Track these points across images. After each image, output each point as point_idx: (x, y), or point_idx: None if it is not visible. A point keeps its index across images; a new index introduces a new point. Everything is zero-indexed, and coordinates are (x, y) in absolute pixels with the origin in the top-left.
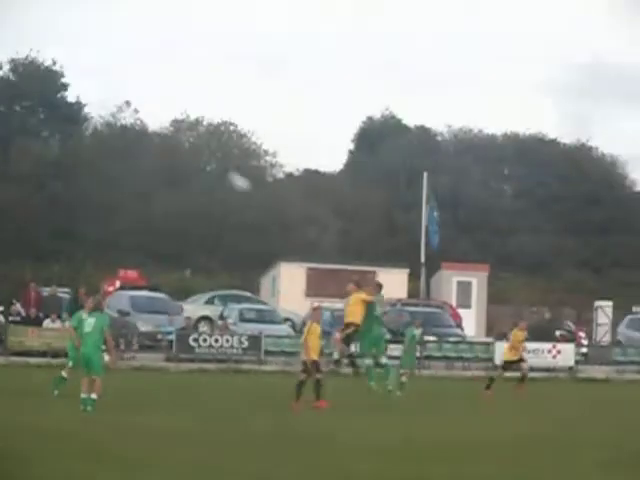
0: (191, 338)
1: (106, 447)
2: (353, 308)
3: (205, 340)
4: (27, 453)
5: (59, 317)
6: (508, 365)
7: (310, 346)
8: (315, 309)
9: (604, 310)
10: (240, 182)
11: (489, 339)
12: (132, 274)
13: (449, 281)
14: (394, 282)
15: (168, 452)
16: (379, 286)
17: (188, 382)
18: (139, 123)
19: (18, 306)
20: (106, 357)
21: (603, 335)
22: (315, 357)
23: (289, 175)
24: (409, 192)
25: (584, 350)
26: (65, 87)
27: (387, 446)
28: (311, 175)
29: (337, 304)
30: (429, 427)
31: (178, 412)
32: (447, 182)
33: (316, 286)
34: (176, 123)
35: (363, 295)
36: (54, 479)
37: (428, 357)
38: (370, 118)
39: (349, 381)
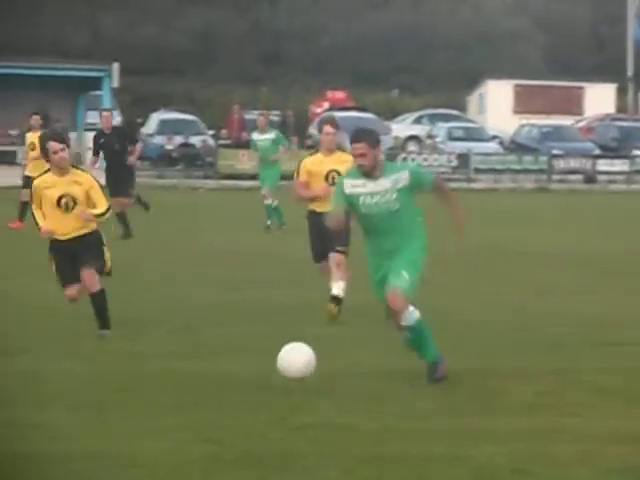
0: (400, 158)
1: None
2: None
3: (414, 159)
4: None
5: None
6: None
7: None
8: None
9: None
10: None
11: None
12: (340, 95)
13: None
14: (602, 97)
15: None
16: None
17: None
18: None
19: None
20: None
21: None
22: None
23: None
24: (615, 5)
25: None
26: None
27: None
28: None
29: (545, 120)
30: None
31: None
32: None
33: (524, 103)
34: None
35: None
36: None
37: (638, 172)
38: None
39: None
